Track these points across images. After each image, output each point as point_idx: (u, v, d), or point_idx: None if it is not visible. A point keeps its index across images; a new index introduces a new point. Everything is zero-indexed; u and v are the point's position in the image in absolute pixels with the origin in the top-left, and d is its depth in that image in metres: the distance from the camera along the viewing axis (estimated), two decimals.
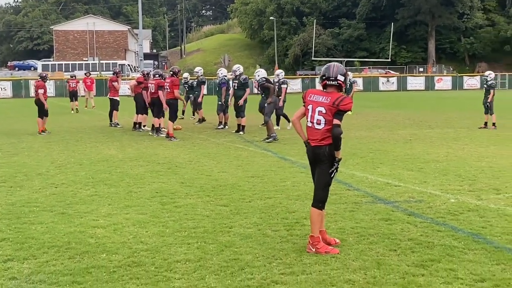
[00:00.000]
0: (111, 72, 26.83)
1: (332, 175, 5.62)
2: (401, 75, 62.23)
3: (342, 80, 5.61)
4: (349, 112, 22.04)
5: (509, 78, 62.03)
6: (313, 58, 70.91)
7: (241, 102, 16.64)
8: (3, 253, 5.55)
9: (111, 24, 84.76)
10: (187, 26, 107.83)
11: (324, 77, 5.64)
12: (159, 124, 16.46)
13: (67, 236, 6.11)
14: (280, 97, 17.64)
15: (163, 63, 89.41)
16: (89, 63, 67.41)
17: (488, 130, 17.14)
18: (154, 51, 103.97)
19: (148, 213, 7.14)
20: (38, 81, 17.66)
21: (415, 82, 58.47)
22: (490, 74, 18.24)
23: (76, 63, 67.16)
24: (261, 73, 15.83)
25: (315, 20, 73.49)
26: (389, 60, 69.70)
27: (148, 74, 18.13)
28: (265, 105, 15.51)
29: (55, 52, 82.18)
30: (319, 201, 5.67)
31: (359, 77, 57.98)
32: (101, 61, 66.70)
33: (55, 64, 68.35)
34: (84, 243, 5.88)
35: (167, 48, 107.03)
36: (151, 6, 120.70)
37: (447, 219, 6.74)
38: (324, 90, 5.68)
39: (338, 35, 77.48)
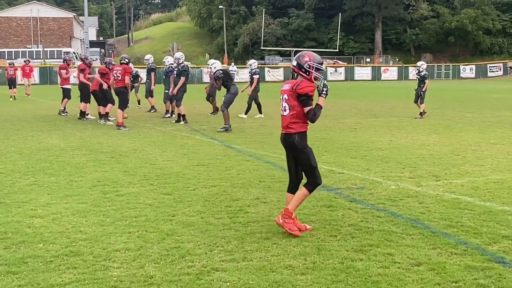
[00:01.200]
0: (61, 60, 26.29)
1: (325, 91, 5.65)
2: (349, 65, 63.07)
3: (303, 65, 5.60)
4: None
5: (453, 68, 63.67)
6: (262, 48, 71.05)
7: (174, 91, 16.33)
8: None
9: (56, 11, 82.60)
10: (134, 14, 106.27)
11: (293, 65, 5.74)
12: (107, 112, 16.18)
13: (3, 226, 5.93)
14: (251, 87, 18.23)
15: (110, 51, 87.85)
16: (33, 51, 65.59)
17: (418, 119, 17.37)
18: (101, 38, 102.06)
19: (89, 202, 7.00)
20: None
21: (362, 72, 59.39)
22: (422, 65, 18.55)
23: (19, 51, 65.14)
24: (217, 65, 15.30)
25: (264, 10, 73.60)
26: (337, 50, 70.50)
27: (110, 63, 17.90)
28: (224, 96, 15.04)
29: None
30: (314, 185, 5.72)
31: None
32: (46, 49, 64.98)
33: None
34: (21, 233, 5.72)
35: (114, 36, 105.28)
36: None
37: (387, 205, 6.86)
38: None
39: (287, 24, 77.85)
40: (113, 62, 16.47)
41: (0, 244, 5.37)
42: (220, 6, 74.59)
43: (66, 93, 19.24)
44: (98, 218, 6.27)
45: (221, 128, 14.39)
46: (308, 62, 5.64)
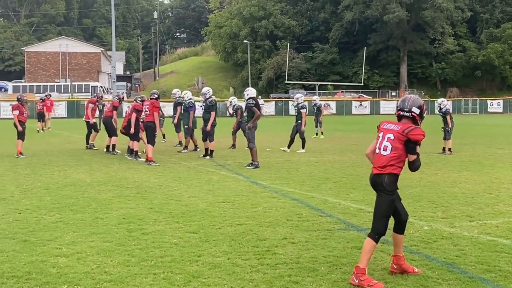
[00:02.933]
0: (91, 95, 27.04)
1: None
2: (374, 99, 62.87)
3: (417, 113, 5.53)
4: (321, 136, 22.12)
5: (480, 103, 63.03)
6: (286, 81, 71.33)
7: (208, 127, 16.11)
8: None
9: (84, 46, 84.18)
10: (161, 49, 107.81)
11: (398, 108, 5.61)
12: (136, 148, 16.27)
13: (28, 266, 5.82)
14: (300, 121, 18.66)
15: (137, 85, 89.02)
16: (61, 85, 66.69)
17: (446, 155, 17.11)
18: (128, 73, 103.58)
19: (114, 241, 6.88)
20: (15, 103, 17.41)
21: (388, 106, 59.06)
22: (443, 102, 18.42)
23: (48, 85, 66.29)
24: (250, 92, 14.67)
25: (288, 44, 74.09)
26: (362, 84, 70.45)
27: (122, 98, 18.20)
28: (247, 130, 14.67)
29: (26, 73, 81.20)
30: (376, 233, 5.45)
31: (332, 100, 58.40)
32: (73, 83, 66.03)
33: (26, 85, 67.40)
34: (45, 273, 5.60)
35: (141, 70, 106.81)
36: (125, 28, 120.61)
37: (421, 247, 6.62)
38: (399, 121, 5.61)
39: (312, 58, 78.15)
40: (145, 98, 16.52)
41: (24, 285, 5.26)
42: (245, 41, 75.28)
43: (94, 127, 19.41)
44: (123, 258, 6.14)
45: (249, 165, 14.14)
46: (422, 108, 5.54)
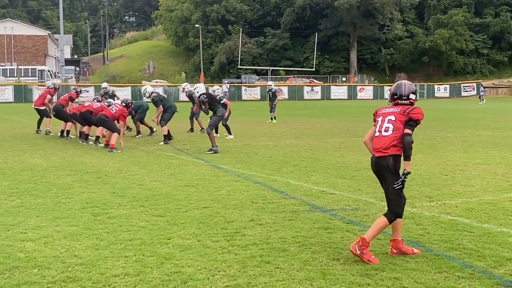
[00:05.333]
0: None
1: (397, 187, 5.44)
2: (325, 84, 63.48)
3: (414, 98, 5.64)
4: (274, 121, 22.15)
5: (427, 88, 64.49)
6: (239, 66, 71.26)
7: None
8: None
9: (30, 29, 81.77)
10: (109, 32, 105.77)
11: (396, 96, 5.67)
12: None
13: None
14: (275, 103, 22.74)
15: (85, 69, 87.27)
16: (7, 69, 64.74)
17: None
18: (75, 56, 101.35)
19: (80, 225, 6.80)
20: None
21: (339, 91, 59.84)
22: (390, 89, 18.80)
23: None
24: (200, 89, 14.78)
25: (241, 29, 73.92)
26: (313, 69, 71.02)
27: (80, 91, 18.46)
28: (210, 117, 14.61)
29: None
30: (394, 215, 5.49)
31: (284, 86, 58.67)
32: (20, 67, 64.21)
33: None
34: (13, 257, 5.51)
35: (89, 54, 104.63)
36: (72, 11, 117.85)
37: None
38: None
39: (263, 44, 78.26)
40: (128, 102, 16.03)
41: None
42: (197, 25, 74.65)
43: (45, 113, 18.98)
44: (91, 242, 6.09)
45: (209, 151, 14.02)
46: (416, 93, 5.70)
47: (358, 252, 5.38)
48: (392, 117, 5.57)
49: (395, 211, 5.53)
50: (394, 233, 5.73)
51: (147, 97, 17.12)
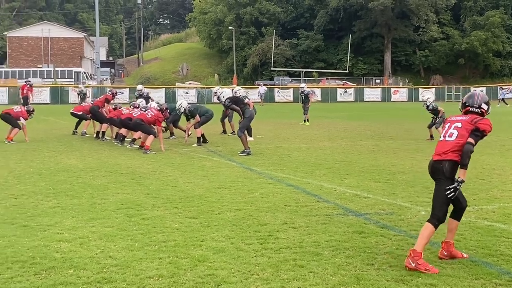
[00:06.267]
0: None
1: (449, 194, 5.39)
2: (359, 86, 63.02)
3: (486, 109, 5.60)
4: (307, 123, 22.03)
5: (463, 90, 63.47)
6: (272, 68, 71.22)
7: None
8: None
9: (66, 31, 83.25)
10: (144, 34, 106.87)
11: (467, 104, 5.64)
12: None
13: (31, 251, 5.81)
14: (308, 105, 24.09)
15: (120, 71, 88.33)
16: (44, 70, 65.94)
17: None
18: (111, 58, 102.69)
19: (115, 226, 6.88)
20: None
21: (372, 93, 59.32)
22: (428, 99, 18.51)
23: (30, 70, 65.53)
24: (225, 93, 14.93)
25: (274, 31, 73.88)
26: (347, 71, 70.56)
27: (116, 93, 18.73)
28: (239, 122, 14.79)
29: (8, 58, 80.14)
30: (437, 220, 5.44)
31: (317, 87, 58.46)
32: (56, 68, 65.34)
33: (8, 71, 66.56)
34: (50, 258, 5.59)
35: (124, 56, 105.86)
36: (108, 13, 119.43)
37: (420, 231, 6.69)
38: None
39: (297, 45, 78.03)
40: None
41: (30, 270, 5.25)
42: (230, 27, 74.86)
43: (84, 115, 19.13)
44: (126, 243, 6.14)
45: (241, 153, 13.97)
46: (489, 103, 5.66)
47: (413, 265, 5.26)
48: (459, 124, 5.52)
49: (437, 215, 5.46)
50: (449, 235, 5.67)
51: (182, 112, 17.06)
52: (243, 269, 5.30)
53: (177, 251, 5.86)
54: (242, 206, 8.05)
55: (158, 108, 15.49)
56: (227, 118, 19.66)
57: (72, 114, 19.56)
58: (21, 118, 16.74)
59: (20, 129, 16.69)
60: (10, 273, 5.13)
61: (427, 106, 18.09)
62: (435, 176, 5.56)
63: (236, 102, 14.66)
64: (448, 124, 5.67)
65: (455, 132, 5.49)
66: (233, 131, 18.92)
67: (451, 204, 5.60)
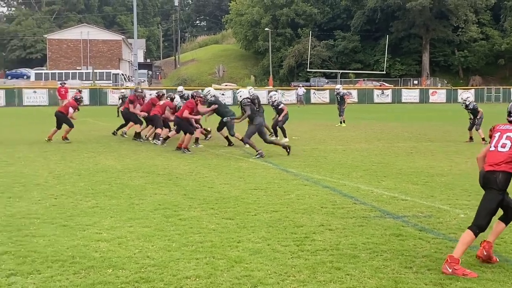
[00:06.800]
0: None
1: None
2: (396, 87, 62.35)
3: None
4: (343, 124, 21.91)
5: (503, 91, 62.23)
6: (308, 70, 71.02)
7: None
8: (5, 267, 5.34)
9: (105, 33, 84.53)
10: (181, 36, 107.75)
11: None
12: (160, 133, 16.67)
13: (71, 250, 5.91)
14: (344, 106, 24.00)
15: (157, 73, 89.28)
16: (83, 72, 67.09)
17: (475, 143, 16.90)
18: (148, 60, 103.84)
19: (152, 226, 6.95)
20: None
21: (410, 94, 58.55)
22: (468, 98, 18.15)
23: (69, 72, 66.79)
24: (243, 93, 14.87)
25: (310, 32, 73.65)
26: (384, 72, 69.88)
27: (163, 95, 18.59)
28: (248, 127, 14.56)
29: (48, 61, 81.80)
30: (478, 227, 5.37)
31: (354, 89, 58.04)
32: (95, 70, 66.41)
33: (49, 73, 67.94)
34: (89, 257, 5.68)
35: (161, 58, 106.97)
36: (145, 16, 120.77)
37: (459, 235, 6.55)
38: None
39: (333, 47, 77.67)
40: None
41: (69, 269, 5.34)
42: (266, 29, 74.94)
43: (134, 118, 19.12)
44: (163, 243, 6.20)
45: (256, 156, 13.75)
46: None
47: (450, 271, 5.18)
48: (511, 134, 5.41)
49: (480, 224, 5.36)
50: (492, 236, 5.59)
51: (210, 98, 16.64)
52: (280, 270, 5.30)
53: (213, 252, 5.89)
54: (278, 207, 8.05)
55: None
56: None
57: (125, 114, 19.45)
58: (70, 108, 17.12)
59: (72, 127, 17.10)
60: (50, 272, 5.23)
61: (467, 106, 17.79)
62: (487, 186, 5.44)
63: (251, 107, 14.39)
64: (498, 133, 5.54)
65: (508, 143, 5.37)
66: (271, 133, 18.62)
67: (501, 209, 5.49)
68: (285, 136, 17.93)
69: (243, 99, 14.53)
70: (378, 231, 6.70)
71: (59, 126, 17.30)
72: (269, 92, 19.93)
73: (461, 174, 11.13)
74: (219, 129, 16.81)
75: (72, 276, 5.14)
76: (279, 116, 18.09)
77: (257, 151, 13.89)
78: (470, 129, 17.70)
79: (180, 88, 22.53)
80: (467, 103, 17.82)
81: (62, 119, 17.23)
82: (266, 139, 14.51)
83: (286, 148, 14.19)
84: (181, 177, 10.76)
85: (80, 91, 20.13)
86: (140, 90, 20.02)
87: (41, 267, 5.35)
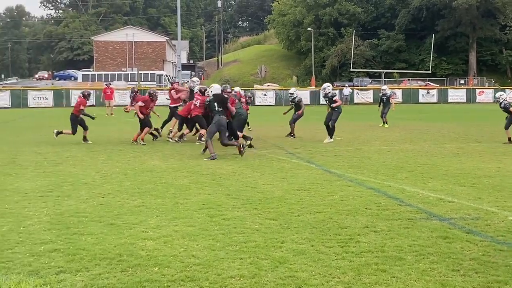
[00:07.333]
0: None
1: None
2: (442, 87, 61.25)
3: None
4: (386, 125, 21.58)
5: None
6: (351, 69, 70.45)
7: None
8: (55, 265, 5.48)
9: (149, 35, 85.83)
10: (224, 37, 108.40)
11: None
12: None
13: (118, 248, 6.02)
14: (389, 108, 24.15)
15: (200, 74, 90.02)
16: (128, 73, 68.17)
17: None
18: (191, 61, 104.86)
19: (197, 226, 7.01)
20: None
21: (456, 94, 57.41)
22: (501, 96, 17.74)
23: (115, 73, 68.01)
24: (214, 88, 14.52)
25: (354, 31, 73.04)
26: (429, 72, 68.77)
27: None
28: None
29: (95, 62, 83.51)
30: None
31: (398, 88, 57.28)
32: (140, 71, 67.41)
33: (95, 74, 69.33)
34: (136, 255, 5.77)
35: (204, 59, 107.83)
36: (189, 17, 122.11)
37: (508, 237, 6.45)
38: None
39: (377, 46, 76.87)
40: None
41: (117, 266, 5.43)
42: (309, 29, 74.71)
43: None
44: (208, 242, 6.25)
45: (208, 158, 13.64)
46: None
47: None
48: None
49: None
50: None
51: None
52: (324, 272, 5.28)
53: (257, 252, 5.91)
54: (321, 208, 8.01)
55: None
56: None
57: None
58: (81, 106, 17.32)
59: (87, 129, 17.42)
60: (98, 270, 5.33)
61: (500, 103, 17.44)
62: None
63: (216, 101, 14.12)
64: None
65: None
66: (293, 134, 19.21)
67: None
68: (330, 136, 17.65)
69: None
70: (424, 233, 6.60)
71: (84, 127, 17.52)
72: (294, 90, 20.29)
73: (509, 175, 10.86)
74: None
75: (120, 273, 5.23)
76: (297, 111, 19.28)
77: (211, 153, 13.62)
78: (506, 127, 17.34)
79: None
80: (500, 100, 17.46)
81: (73, 121, 17.42)
82: (224, 141, 14.25)
83: (240, 147, 14.01)
84: (225, 177, 10.82)
85: (136, 92, 20.19)
86: (136, 89, 20.23)
87: (89, 265, 5.47)
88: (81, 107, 17.40)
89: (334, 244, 6.19)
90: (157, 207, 8.10)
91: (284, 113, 21.13)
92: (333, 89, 18.65)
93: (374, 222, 7.17)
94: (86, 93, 18.08)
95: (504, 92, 18.59)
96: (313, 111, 32.11)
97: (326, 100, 18.49)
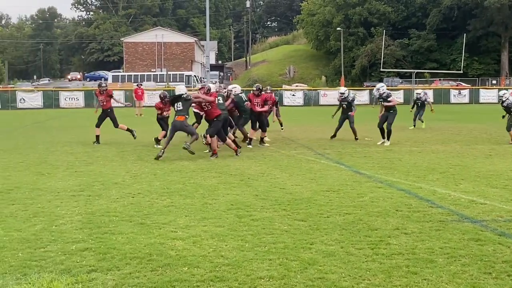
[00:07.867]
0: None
1: None
2: (473, 87, 60.39)
3: None
4: (422, 125, 21.22)
5: None
6: (381, 69, 69.90)
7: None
8: (86, 263, 5.54)
9: (178, 36, 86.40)
10: (252, 38, 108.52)
11: None
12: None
13: (148, 248, 6.06)
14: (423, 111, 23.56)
15: (229, 74, 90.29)
16: (157, 74, 68.71)
17: None
18: (220, 62, 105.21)
19: (226, 226, 7.03)
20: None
21: (488, 95, 56.53)
22: (504, 94, 17.40)
23: (144, 74, 68.61)
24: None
25: (384, 31, 72.46)
26: (461, 72, 67.89)
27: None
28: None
29: (124, 63, 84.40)
30: None
31: (430, 89, 56.64)
32: (169, 72, 67.88)
33: (125, 75, 70.05)
34: (165, 255, 5.81)
35: (232, 59, 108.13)
36: (217, 18, 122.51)
37: None
38: None
39: (407, 46, 76.12)
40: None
41: (147, 266, 5.47)
42: (338, 28, 74.34)
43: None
44: (237, 243, 6.26)
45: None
46: None
47: None
48: None
49: None
50: None
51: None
52: (354, 273, 5.24)
53: (286, 253, 5.89)
54: (351, 210, 7.96)
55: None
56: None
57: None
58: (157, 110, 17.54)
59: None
60: (129, 269, 5.38)
61: (502, 102, 17.14)
62: None
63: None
64: None
65: None
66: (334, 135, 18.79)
67: None
68: (387, 138, 17.22)
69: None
70: (456, 236, 6.51)
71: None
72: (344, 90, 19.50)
73: None
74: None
75: (150, 273, 5.27)
76: (349, 113, 18.53)
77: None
78: (508, 129, 17.11)
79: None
80: (504, 99, 17.16)
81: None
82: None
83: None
84: (253, 177, 10.82)
85: (164, 97, 20.25)
86: (104, 85, 19.16)
87: (120, 264, 5.52)
88: (157, 110, 17.60)
89: (364, 246, 6.14)
90: (186, 207, 8.14)
91: (333, 116, 19.26)
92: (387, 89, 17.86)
93: (405, 224, 7.09)
94: (162, 95, 18.08)
95: (507, 91, 18.18)
96: None
97: (380, 101, 17.77)
